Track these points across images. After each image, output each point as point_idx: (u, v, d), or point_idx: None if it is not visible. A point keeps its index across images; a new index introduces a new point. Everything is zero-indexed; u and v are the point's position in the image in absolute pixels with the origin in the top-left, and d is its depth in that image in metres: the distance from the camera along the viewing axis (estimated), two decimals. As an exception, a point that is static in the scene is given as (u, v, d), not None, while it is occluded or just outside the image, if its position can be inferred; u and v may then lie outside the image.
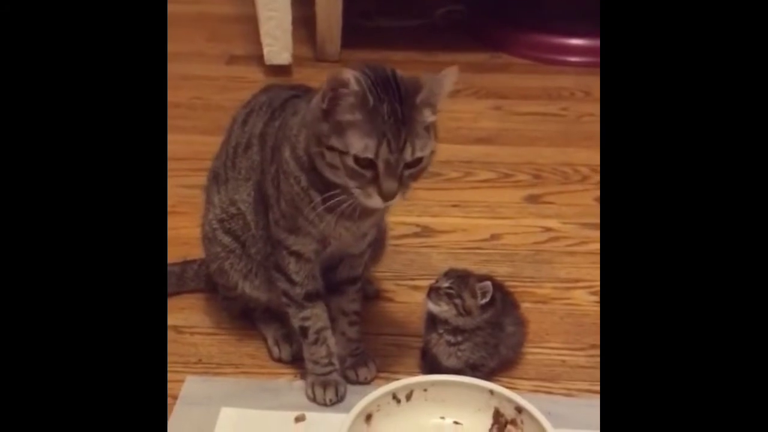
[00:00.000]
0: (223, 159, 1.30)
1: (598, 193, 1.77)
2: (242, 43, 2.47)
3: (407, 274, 1.53)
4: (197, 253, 1.43)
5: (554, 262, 1.57)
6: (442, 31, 2.57)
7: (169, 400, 1.22)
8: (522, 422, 1.15)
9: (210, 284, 1.43)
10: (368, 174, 1.06)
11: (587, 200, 1.76)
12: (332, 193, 1.10)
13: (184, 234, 1.49)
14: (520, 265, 1.56)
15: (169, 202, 1.51)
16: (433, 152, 1.11)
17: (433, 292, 1.26)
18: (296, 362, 1.31)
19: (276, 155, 1.17)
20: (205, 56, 2.41)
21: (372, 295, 1.45)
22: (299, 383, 1.28)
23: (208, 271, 1.38)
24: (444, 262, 1.46)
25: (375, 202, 1.08)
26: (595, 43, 2.34)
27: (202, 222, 1.34)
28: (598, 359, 1.31)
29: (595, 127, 1.98)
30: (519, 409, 1.15)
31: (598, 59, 2.28)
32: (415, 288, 1.47)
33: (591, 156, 1.88)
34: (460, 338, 1.25)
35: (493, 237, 1.65)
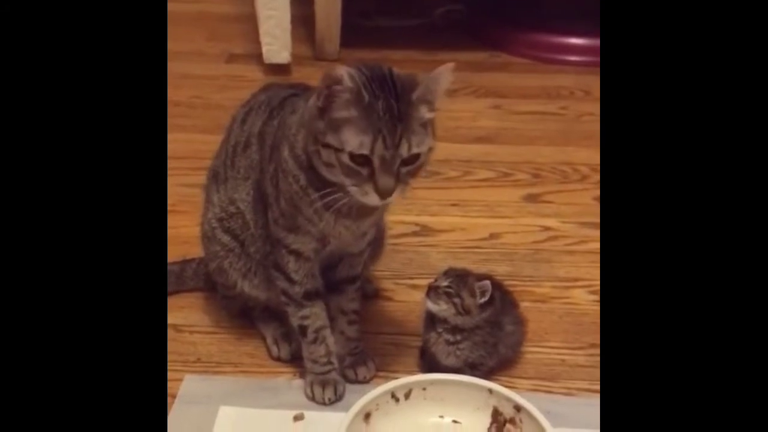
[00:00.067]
0: (222, 158, 1.30)
1: (597, 192, 1.77)
2: (242, 42, 2.47)
3: (406, 273, 1.53)
4: (196, 252, 1.43)
5: (553, 261, 1.57)
6: (441, 31, 2.57)
7: (168, 399, 1.22)
8: (521, 421, 1.15)
9: (209, 283, 1.44)
10: (364, 171, 1.06)
11: (586, 199, 1.76)
12: (330, 191, 1.10)
13: (184, 233, 1.49)
14: (519, 264, 1.56)
15: (169, 200, 1.51)
16: (431, 149, 1.11)
17: (432, 291, 1.26)
18: (295, 361, 1.31)
19: (275, 154, 1.17)
20: (204, 55, 2.41)
21: (371, 294, 1.46)
22: (298, 382, 1.28)
23: (208, 269, 1.38)
24: (443, 261, 1.46)
25: (372, 199, 1.08)
26: (595, 42, 2.34)
27: (202, 221, 1.34)
28: (597, 358, 1.31)
29: (595, 126, 1.99)
30: (518, 408, 1.16)
31: (598, 58, 2.28)
32: (414, 287, 1.47)
33: (590, 155, 1.88)
34: (459, 337, 1.26)
35: (492, 236, 1.65)
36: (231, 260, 1.29)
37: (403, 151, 1.06)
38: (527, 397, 1.17)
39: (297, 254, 1.20)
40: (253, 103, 1.30)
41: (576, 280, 1.52)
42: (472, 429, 1.18)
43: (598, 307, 1.44)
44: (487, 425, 1.18)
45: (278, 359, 1.33)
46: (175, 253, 1.42)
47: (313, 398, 1.25)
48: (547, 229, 1.67)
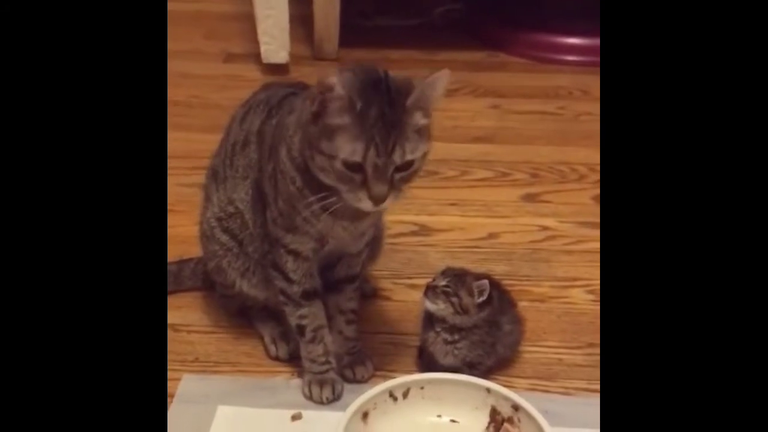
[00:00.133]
0: (221, 157, 1.30)
1: (595, 191, 1.77)
2: (240, 42, 2.47)
3: (404, 272, 1.53)
4: (194, 251, 1.43)
5: (551, 261, 1.57)
6: (440, 30, 2.57)
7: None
8: (519, 420, 1.15)
9: (207, 282, 1.44)
10: (357, 178, 1.06)
11: (584, 199, 1.76)
12: (326, 194, 1.10)
13: (182, 232, 1.49)
14: (517, 263, 1.56)
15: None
16: (425, 154, 1.10)
17: (430, 290, 1.26)
18: (293, 361, 1.31)
19: (273, 154, 1.17)
20: (202, 54, 2.41)
21: (369, 294, 1.46)
22: (296, 382, 1.28)
23: (206, 268, 1.38)
24: (441, 261, 1.46)
25: (365, 205, 1.08)
26: (593, 42, 2.34)
27: (201, 220, 1.34)
28: (595, 358, 1.31)
29: (593, 126, 1.99)
30: (516, 408, 1.16)
31: (596, 58, 2.27)
32: (413, 287, 1.47)
33: (588, 155, 1.88)
34: (457, 336, 1.26)
35: (491, 236, 1.65)
36: (229, 259, 1.29)
37: (397, 159, 1.06)
38: (525, 396, 1.17)
39: (295, 254, 1.20)
40: (253, 102, 1.30)
41: (574, 279, 1.52)
42: (470, 428, 1.19)
43: (595, 307, 1.44)
44: (485, 424, 1.18)
45: (276, 359, 1.33)
46: (173, 252, 1.42)
47: (311, 398, 1.25)
48: (545, 228, 1.67)
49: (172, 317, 1.39)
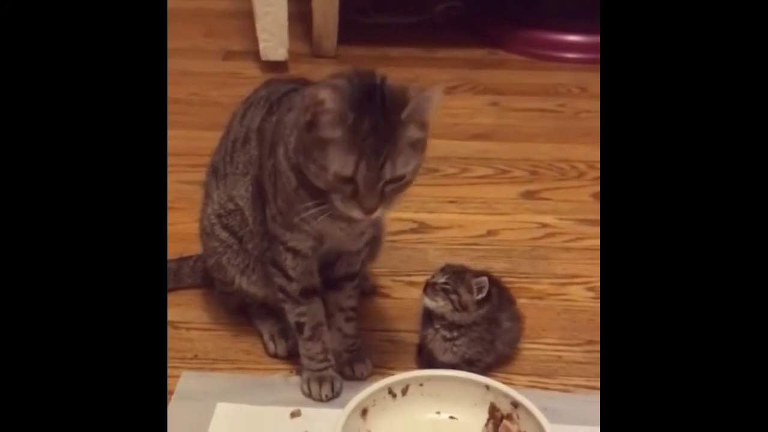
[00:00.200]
0: (221, 154, 1.30)
1: (594, 189, 1.77)
2: (239, 39, 2.46)
3: (403, 270, 1.53)
4: (194, 249, 1.43)
5: (551, 258, 1.57)
6: (439, 28, 2.56)
7: (165, 396, 1.23)
8: (518, 417, 1.15)
9: (206, 280, 1.44)
10: (348, 189, 1.06)
11: (584, 196, 1.76)
12: (319, 201, 1.09)
13: (182, 230, 1.49)
14: (516, 261, 1.56)
15: (166, 197, 1.51)
16: (418, 167, 1.09)
17: (429, 287, 1.26)
18: (292, 358, 1.31)
19: (273, 151, 1.17)
20: (202, 52, 2.41)
21: (368, 291, 1.45)
22: (295, 379, 1.28)
23: (206, 265, 1.38)
24: (440, 258, 1.46)
25: (357, 215, 1.08)
26: (592, 39, 2.34)
27: (201, 216, 1.34)
28: (594, 355, 1.31)
29: (592, 123, 2.00)
30: (515, 404, 1.16)
31: (595, 56, 2.27)
32: (412, 284, 1.47)
33: (587, 152, 1.88)
34: (456, 333, 1.26)
35: (490, 233, 1.65)
36: (229, 256, 1.29)
37: (387, 173, 1.05)
38: (524, 393, 1.17)
39: (294, 252, 1.20)
40: (254, 98, 1.29)
41: (573, 276, 1.52)
42: (469, 425, 1.19)
43: (595, 304, 1.44)
44: (484, 421, 1.18)
45: (275, 356, 1.33)
46: (172, 250, 1.42)
47: (309, 395, 1.25)
48: (544, 226, 1.67)
49: (172, 314, 1.39)
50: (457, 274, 1.26)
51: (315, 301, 1.24)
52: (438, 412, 1.21)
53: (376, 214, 1.08)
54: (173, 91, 2.03)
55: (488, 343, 1.27)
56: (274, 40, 2.23)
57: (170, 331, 1.37)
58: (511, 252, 1.58)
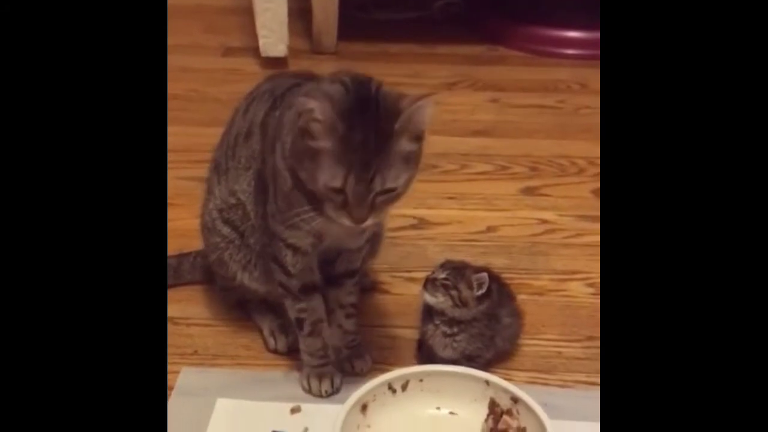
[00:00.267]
0: (224, 149, 1.30)
1: (594, 185, 1.77)
2: (239, 35, 2.46)
3: (403, 266, 1.53)
4: (194, 245, 1.43)
5: (550, 254, 1.57)
6: (439, 24, 2.56)
7: (165, 392, 1.23)
8: (518, 413, 1.15)
9: (206, 276, 1.44)
10: (338, 199, 1.06)
11: (583, 192, 1.76)
12: (314, 204, 1.10)
13: (181, 226, 1.49)
14: (516, 257, 1.56)
15: (166, 193, 1.51)
16: (411, 179, 1.08)
17: (429, 283, 1.26)
18: (292, 353, 1.31)
19: (273, 149, 1.17)
20: (201, 48, 2.41)
21: (368, 287, 1.45)
22: (295, 374, 1.28)
23: (207, 261, 1.37)
24: (440, 255, 1.46)
25: (347, 223, 1.08)
26: (592, 35, 2.34)
27: (202, 212, 1.34)
28: (594, 351, 1.31)
29: (592, 119, 2.00)
30: (515, 400, 1.16)
31: (595, 52, 2.27)
32: (411, 280, 1.47)
33: (587, 148, 1.88)
34: (456, 329, 1.26)
35: (490, 229, 1.65)
36: (231, 252, 1.29)
37: (377, 186, 1.05)
38: (524, 389, 1.17)
39: (294, 248, 1.20)
40: (257, 92, 1.29)
41: (573, 272, 1.52)
42: (469, 420, 1.19)
43: (595, 300, 1.44)
44: (484, 416, 1.18)
45: (275, 351, 1.33)
46: (172, 246, 1.41)
47: (309, 391, 1.25)
48: (544, 222, 1.67)
49: (172, 310, 1.39)
50: (457, 270, 1.26)
51: (315, 297, 1.24)
52: (438, 408, 1.21)
53: (367, 223, 1.08)
54: (173, 88, 2.03)
55: (488, 339, 1.27)
56: (273, 36, 2.22)
57: (170, 327, 1.37)
58: (511, 248, 1.58)
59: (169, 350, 1.30)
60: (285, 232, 1.18)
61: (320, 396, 1.24)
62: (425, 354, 1.30)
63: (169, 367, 1.25)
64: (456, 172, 1.83)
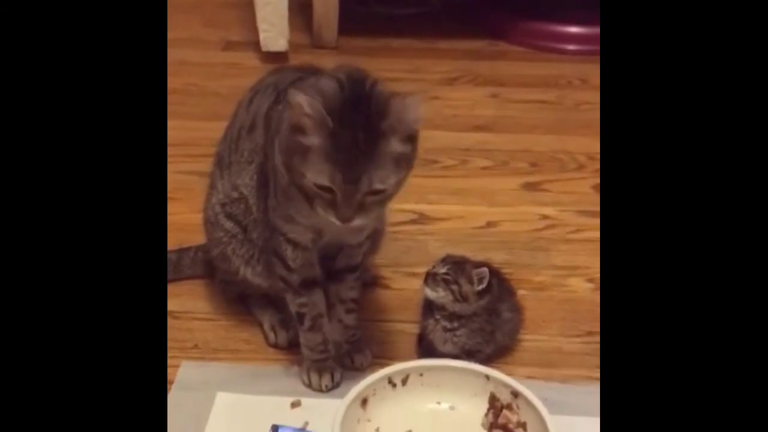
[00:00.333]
0: (227, 143, 1.29)
1: (594, 180, 1.77)
2: (239, 29, 2.46)
3: (404, 261, 1.53)
4: (194, 239, 1.43)
5: (551, 250, 1.57)
6: (440, 19, 2.56)
7: (165, 386, 1.23)
8: (518, 407, 1.15)
9: (206, 270, 1.44)
10: (327, 197, 1.05)
11: (584, 188, 1.76)
12: (307, 202, 1.09)
13: (180, 220, 1.49)
14: (516, 252, 1.56)
15: (166, 188, 1.51)
16: (401, 182, 1.07)
17: (430, 277, 1.26)
18: (292, 348, 1.31)
19: (273, 143, 1.17)
20: (201, 42, 2.40)
21: (369, 282, 1.45)
22: (295, 369, 1.28)
23: (210, 256, 1.37)
24: (440, 250, 1.45)
25: (335, 222, 1.07)
26: (592, 31, 2.34)
27: (205, 206, 1.33)
28: (595, 346, 1.31)
29: (592, 115, 1.99)
30: (515, 394, 1.16)
31: (595, 47, 2.27)
32: (412, 275, 1.47)
33: (588, 144, 1.88)
34: (456, 324, 1.26)
35: (490, 224, 1.65)
36: (234, 246, 1.28)
37: (364, 187, 1.04)
38: (524, 384, 1.17)
39: (294, 243, 1.20)
40: (261, 85, 1.28)
41: (573, 268, 1.52)
42: (469, 415, 1.19)
43: (595, 295, 1.44)
44: (484, 411, 1.18)
45: (275, 346, 1.33)
46: (172, 240, 1.41)
47: (309, 385, 1.25)
48: (544, 217, 1.67)
49: (172, 304, 1.39)
50: (458, 265, 1.26)
51: (316, 292, 1.24)
52: (438, 402, 1.21)
53: (355, 223, 1.07)
54: (172, 82, 2.02)
55: (488, 333, 1.27)
56: (274, 30, 2.22)
57: (170, 321, 1.36)
58: (512, 243, 1.58)
59: (169, 344, 1.29)
60: (285, 227, 1.18)
61: (320, 390, 1.24)
62: (425, 348, 1.30)
63: (169, 361, 1.25)
64: (456, 168, 1.83)
